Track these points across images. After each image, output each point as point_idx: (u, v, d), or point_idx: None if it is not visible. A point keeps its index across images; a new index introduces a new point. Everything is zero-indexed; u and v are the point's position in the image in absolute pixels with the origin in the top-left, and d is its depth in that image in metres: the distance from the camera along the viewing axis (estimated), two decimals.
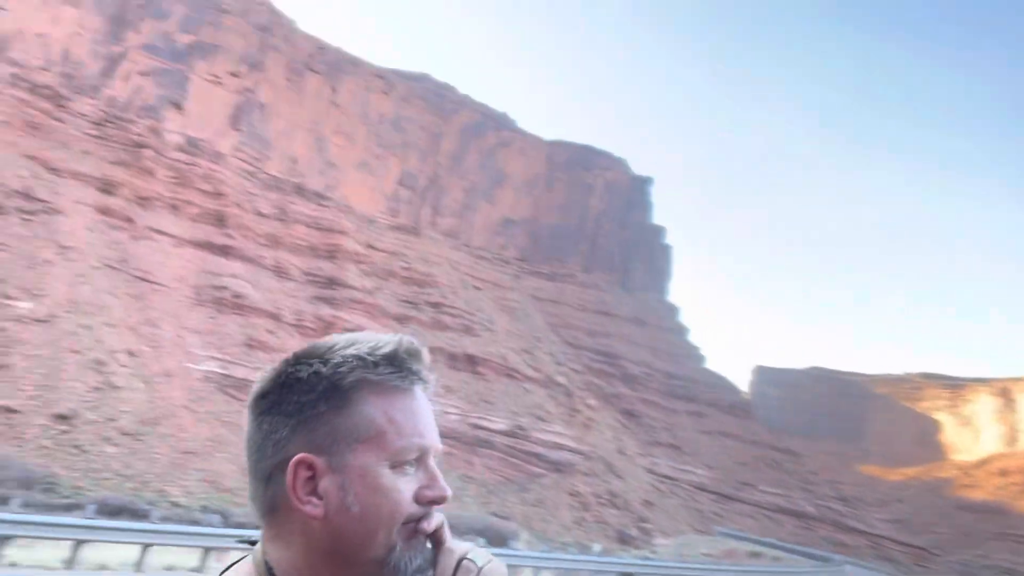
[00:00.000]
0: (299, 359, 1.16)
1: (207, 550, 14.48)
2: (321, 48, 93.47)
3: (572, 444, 72.98)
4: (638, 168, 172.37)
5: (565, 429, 74.67)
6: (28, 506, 21.53)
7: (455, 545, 1.21)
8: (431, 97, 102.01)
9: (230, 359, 59.16)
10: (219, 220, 72.43)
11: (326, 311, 71.30)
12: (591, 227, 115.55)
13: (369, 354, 1.14)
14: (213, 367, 57.43)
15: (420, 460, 1.15)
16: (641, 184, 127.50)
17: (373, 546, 1.09)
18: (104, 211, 63.25)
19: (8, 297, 45.43)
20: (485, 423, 69.40)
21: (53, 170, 62.74)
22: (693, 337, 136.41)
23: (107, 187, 65.54)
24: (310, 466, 1.09)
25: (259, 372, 1.24)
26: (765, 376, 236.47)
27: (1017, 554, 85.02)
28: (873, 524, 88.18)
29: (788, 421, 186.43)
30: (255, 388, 1.23)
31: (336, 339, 1.17)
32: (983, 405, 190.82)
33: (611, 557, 30.31)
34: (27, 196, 57.35)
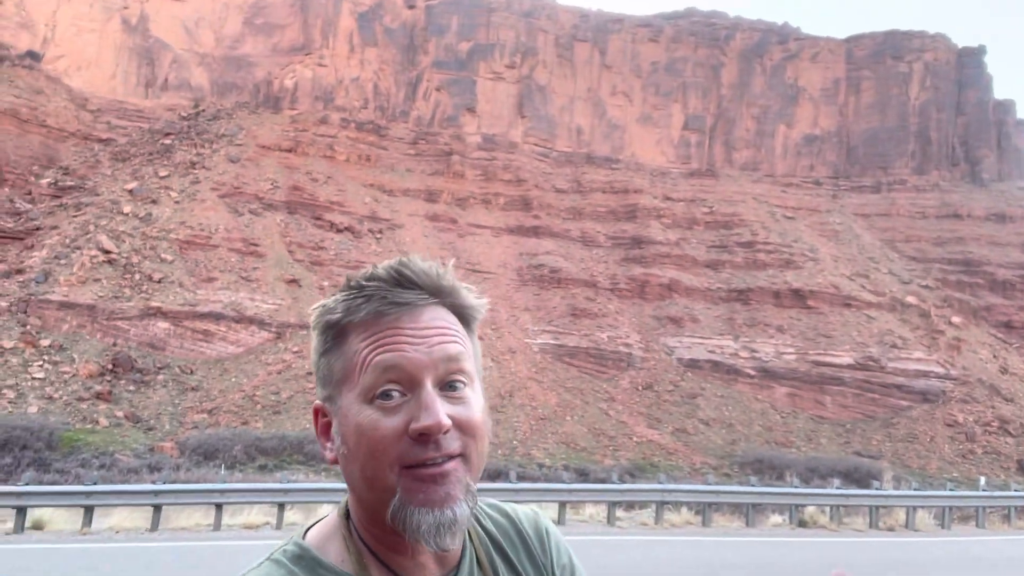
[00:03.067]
0: (319, 304, 1.11)
1: (562, 504, 15.27)
2: (584, 16, 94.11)
3: (939, 369, 64.10)
4: (963, 39, 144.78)
5: (927, 354, 65.87)
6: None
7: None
8: (701, 30, 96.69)
9: (560, 329, 62.78)
10: (524, 204, 77.19)
11: (637, 270, 71.92)
12: (916, 122, 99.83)
13: (349, 291, 1.07)
14: (547, 339, 61.46)
15: (410, 387, 1.01)
16: (972, 57, 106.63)
17: (375, 490, 1.00)
18: (432, 217, 71.27)
19: None
20: (828, 359, 64.12)
21: (387, 191, 72.34)
22: None
23: (431, 196, 73.75)
24: (324, 412, 1.08)
25: None
26: None
27: None
28: None
29: None
30: None
31: (350, 275, 1.10)
32: None
33: (1002, 491, 25.59)
34: (374, 218, 66.83)
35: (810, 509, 15.32)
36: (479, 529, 1.16)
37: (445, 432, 0.99)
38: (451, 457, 1.00)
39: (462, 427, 1.01)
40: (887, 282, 75.99)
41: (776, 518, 16.20)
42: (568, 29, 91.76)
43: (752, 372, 62.93)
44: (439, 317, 1.06)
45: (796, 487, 17.27)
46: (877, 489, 15.82)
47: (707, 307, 70.02)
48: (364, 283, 1.06)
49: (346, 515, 1.09)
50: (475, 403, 1.05)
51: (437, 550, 1.02)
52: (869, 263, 78.99)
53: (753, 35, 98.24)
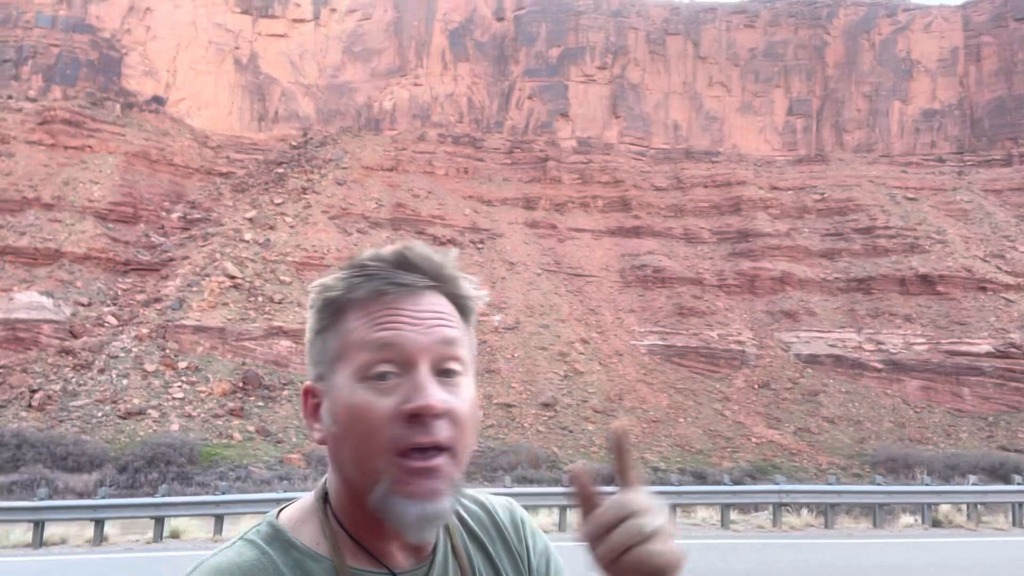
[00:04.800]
0: (320, 281, 1.09)
1: (672, 507, 15.06)
2: (675, 9, 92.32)
3: None
4: None
5: None
6: (531, 481, 25.07)
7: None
8: (801, 10, 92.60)
9: (667, 330, 61.57)
10: (624, 205, 76.39)
11: (745, 265, 69.50)
12: None
13: (350, 269, 1.05)
14: (654, 340, 60.43)
15: (405, 368, 0.99)
16: None
17: (363, 472, 0.98)
18: (532, 224, 71.80)
19: (483, 314, 54.55)
20: (963, 347, 59.57)
21: (486, 202, 73.49)
22: None
23: (529, 203, 74.38)
24: (314, 392, 1.06)
25: None
26: None
27: None
28: None
29: None
30: None
31: (354, 257, 1.09)
32: None
33: None
34: (475, 229, 68.02)
35: (944, 508, 14.28)
36: (454, 518, 1.15)
37: (438, 416, 0.96)
38: (441, 449, 0.97)
39: (453, 416, 0.99)
40: None
41: (908, 519, 15.24)
42: (659, 24, 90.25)
43: (879, 365, 59.37)
44: (438, 303, 1.05)
45: (928, 485, 16.15)
46: (1020, 484, 14.49)
47: (824, 299, 66.75)
48: (367, 263, 1.05)
49: (323, 498, 1.07)
50: (467, 393, 1.02)
51: (417, 542, 1.02)
52: (1004, 242, 72.85)
53: (858, 10, 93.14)
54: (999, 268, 67.67)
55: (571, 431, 41.97)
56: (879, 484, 16.79)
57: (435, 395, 0.96)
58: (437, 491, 0.97)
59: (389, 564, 1.04)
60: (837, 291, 67.67)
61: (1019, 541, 12.09)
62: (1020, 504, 14.30)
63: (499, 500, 1.25)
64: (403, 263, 1.05)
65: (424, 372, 0.98)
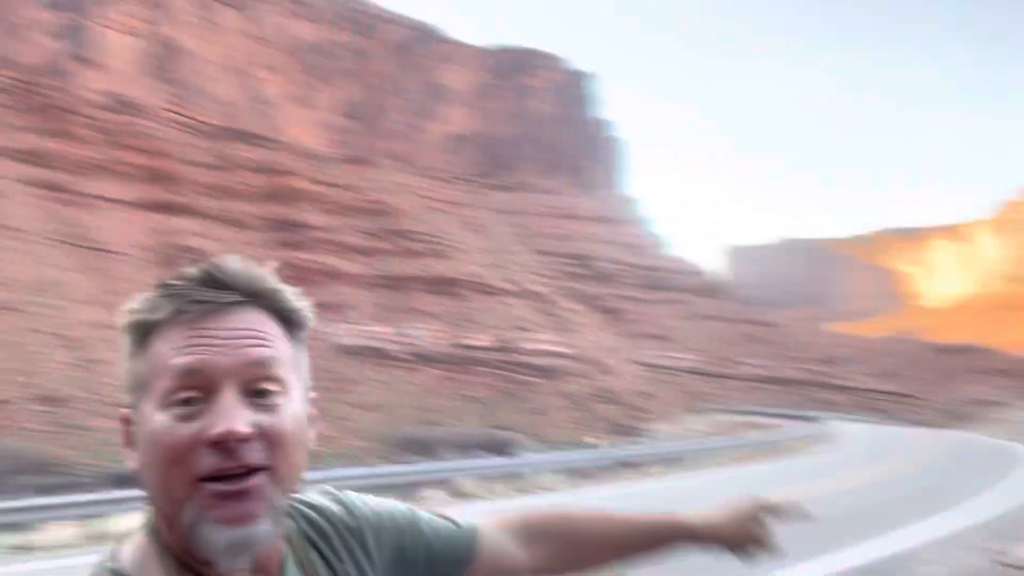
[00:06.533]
0: (124, 307, 0.97)
1: None
2: None
3: (559, 349, 73.68)
4: (584, 64, 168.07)
5: (550, 336, 75.21)
6: (42, 489, 20.56)
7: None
8: (357, 17, 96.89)
9: None
10: (160, 177, 68.97)
11: (291, 255, 69.31)
12: (540, 132, 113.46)
13: (157, 289, 0.95)
14: None
15: (208, 393, 0.88)
16: (584, 80, 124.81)
17: (168, 502, 0.89)
18: (42, 185, 59.52)
19: None
20: (472, 342, 69.46)
21: None
22: (659, 226, 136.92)
23: (38, 159, 61.47)
24: (128, 420, 0.96)
25: None
26: (738, 254, 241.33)
27: (990, 384, 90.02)
28: (856, 379, 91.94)
29: (762, 295, 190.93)
30: None
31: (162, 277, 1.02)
32: (942, 250, 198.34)
33: (606, 448, 30.82)
34: None
35: (463, 481, 16.41)
36: (296, 534, 1.06)
37: (244, 440, 0.86)
38: (254, 471, 0.87)
39: (269, 437, 0.89)
40: (520, 273, 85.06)
41: (433, 492, 16.76)
42: None
43: (407, 356, 65.23)
44: (251, 320, 0.93)
45: (449, 462, 18.45)
46: (517, 457, 17.88)
47: (363, 294, 70.65)
48: (172, 281, 0.95)
49: (153, 526, 0.96)
50: (288, 412, 0.92)
51: (227, 571, 0.89)
52: (505, 255, 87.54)
53: (404, 31, 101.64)
54: (501, 277, 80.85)
55: (85, 429, 35.88)
56: (408, 464, 18.25)
57: (237, 420, 0.86)
58: (250, 515, 0.87)
59: None
60: (374, 287, 72.31)
61: (519, 503, 14.65)
62: (518, 474, 17.62)
63: (325, 496, 1.15)
64: (209, 279, 0.93)
65: (228, 396, 0.88)
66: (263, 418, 0.89)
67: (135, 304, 0.95)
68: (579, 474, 20.66)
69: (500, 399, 66.63)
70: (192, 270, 0.95)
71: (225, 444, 0.86)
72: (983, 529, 12.69)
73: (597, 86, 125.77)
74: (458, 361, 67.24)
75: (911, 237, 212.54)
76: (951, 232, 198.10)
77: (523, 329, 73.59)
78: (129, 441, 0.96)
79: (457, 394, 65.42)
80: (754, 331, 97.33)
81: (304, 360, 1.00)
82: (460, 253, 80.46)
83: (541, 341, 72.79)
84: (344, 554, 1.08)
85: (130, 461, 0.96)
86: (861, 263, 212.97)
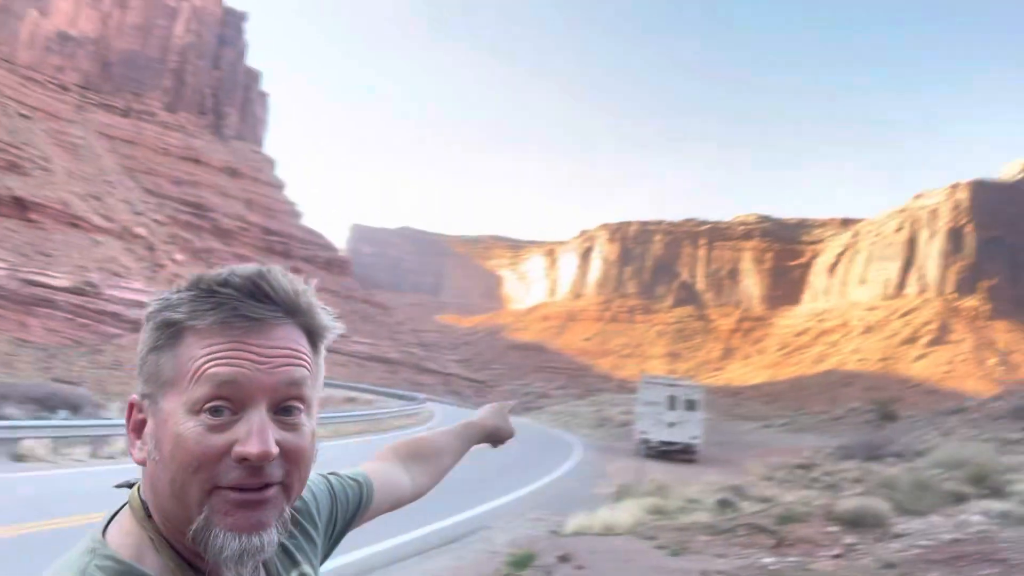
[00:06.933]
0: (160, 295, 0.98)
1: None
2: None
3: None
4: (241, 2, 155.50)
5: (146, 286, 67.55)
6: None
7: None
8: None
9: None
10: None
11: None
12: (176, 60, 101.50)
13: (197, 291, 0.94)
14: None
15: (241, 406, 0.91)
16: (236, 19, 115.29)
17: (181, 505, 0.90)
18: None
19: None
20: (43, 279, 58.70)
21: None
22: (290, 192, 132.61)
23: None
24: (140, 409, 0.97)
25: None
26: (360, 234, 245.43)
27: (550, 381, 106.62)
28: (446, 365, 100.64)
29: (380, 277, 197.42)
30: None
31: (203, 274, 0.97)
32: (535, 263, 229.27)
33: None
34: None
35: (29, 443, 13.70)
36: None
37: (270, 460, 0.90)
38: (271, 484, 0.91)
39: (289, 455, 0.92)
40: (120, 209, 74.72)
41: None
42: None
43: None
44: (290, 337, 0.95)
45: (17, 420, 15.15)
46: (107, 419, 15.24)
47: None
48: (216, 288, 0.94)
49: (147, 516, 0.96)
50: (307, 431, 0.95)
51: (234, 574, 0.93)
52: (105, 186, 76.02)
53: None
54: (94, 210, 69.96)
55: None
56: None
57: (270, 441, 0.89)
58: (263, 523, 0.91)
59: None
60: None
61: (97, 471, 12.61)
62: (100, 436, 15.03)
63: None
64: (257, 293, 0.94)
65: (261, 413, 0.91)
66: (287, 437, 0.92)
67: (172, 301, 0.94)
68: None
69: (70, 349, 57.51)
70: (237, 278, 0.94)
71: (252, 462, 0.88)
72: (543, 504, 14.62)
73: (246, 28, 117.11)
74: (22, 299, 56.23)
75: (512, 247, 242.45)
76: (542, 248, 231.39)
77: (114, 273, 64.69)
78: (137, 429, 0.97)
79: (12, 337, 54.66)
80: (367, 310, 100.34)
81: (322, 374, 1.01)
82: (44, 172, 67.45)
83: (134, 290, 64.84)
84: (302, 540, 1.15)
85: (135, 450, 0.96)
86: (470, 262, 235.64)
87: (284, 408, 0.93)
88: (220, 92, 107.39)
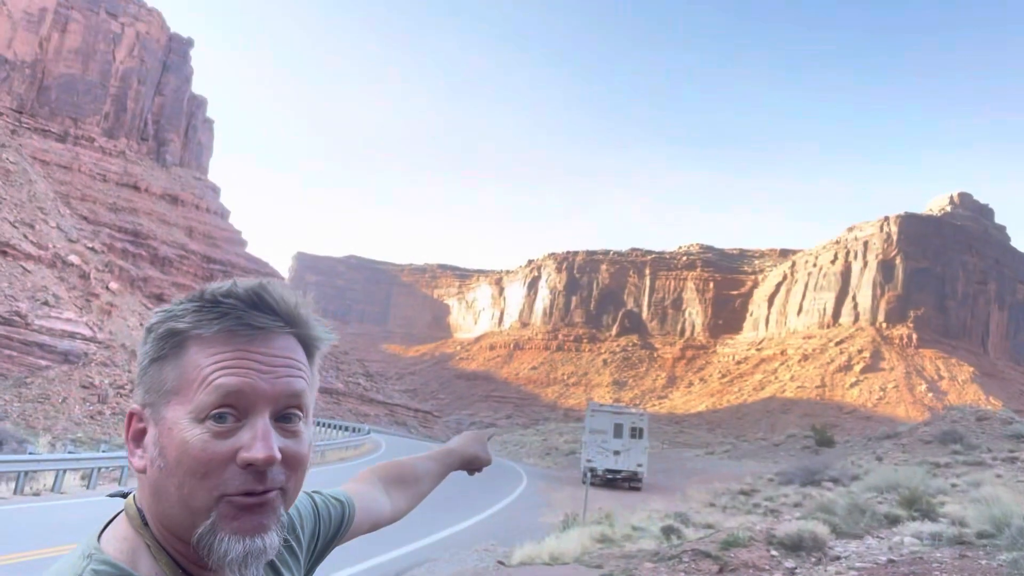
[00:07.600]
0: (162, 308, 1.02)
1: None
2: None
3: (86, 332, 64.14)
4: (177, 26, 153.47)
5: (78, 316, 65.11)
6: None
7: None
8: None
9: None
10: None
11: None
12: (117, 85, 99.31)
13: (201, 302, 0.98)
14: None
15: (245, 413, 0.94)
16: (181, 45, 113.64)
17: (188, 511, 0.93)
18: None
19: None
20: None
21: None
22: (235, 219, 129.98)
23: None
24: (141, 418, 0.99)
25: None
26: (305, 262, 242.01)
27: (496, 410, 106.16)
28: (391, 395, 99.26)
29: (324, 306, 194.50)
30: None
31: (205, 287, 1.01)
32: (482, 292, 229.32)
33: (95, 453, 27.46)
34: None
35: None
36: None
37: (274, 465, 0.94)
38: (273, 489, 0.96)
39: (289, 461, 0.97)
40: (53, 236, 72.07)
41: None
42: None
43: None
44: (289, 347, 1.00)
45: None
46: (31, 454, 14.50)
47: None
48: (220, 299, 0.98)
49: (143, 522, 0.99)
50: (306, 438, 1.01)
51: None
52: (38, 212, 73.31)
53: None
54: (26, 237, 67.36)
55: None
56: None
57: (275, 447, 0.94)
58: (264, 526, 0.95)
59: None
60: None
61: (23, 508, 12.04)
62: (25, 472, 14.35)
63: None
64: (259, 303, 0.99)
65: (265, 420, 0.95)
66: (288, 443, 0.97)
67: (176, 311, 0.98)
68: (112, 478, 17.91)
69: None
70: (240, 289, 0.98)
71: (258, 467, 0.93)
72: (490, 534, 14.50)
73: (193, 56, 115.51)
74: None
75: (459, 276, 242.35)
76: (489, 278, 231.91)
77: (44, 303, 62.13)
78: (137, 438, 0.99)
79: None
80: None
81: (317, 384, 1.06)
82: None
83: (65, 320, 62.31)
84: (286, 554, 1.17)
85: (135, 459, 0.99)
86: (417, 291, 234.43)
87: (284, 415, 0.98)
88: (163, 118, 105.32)
